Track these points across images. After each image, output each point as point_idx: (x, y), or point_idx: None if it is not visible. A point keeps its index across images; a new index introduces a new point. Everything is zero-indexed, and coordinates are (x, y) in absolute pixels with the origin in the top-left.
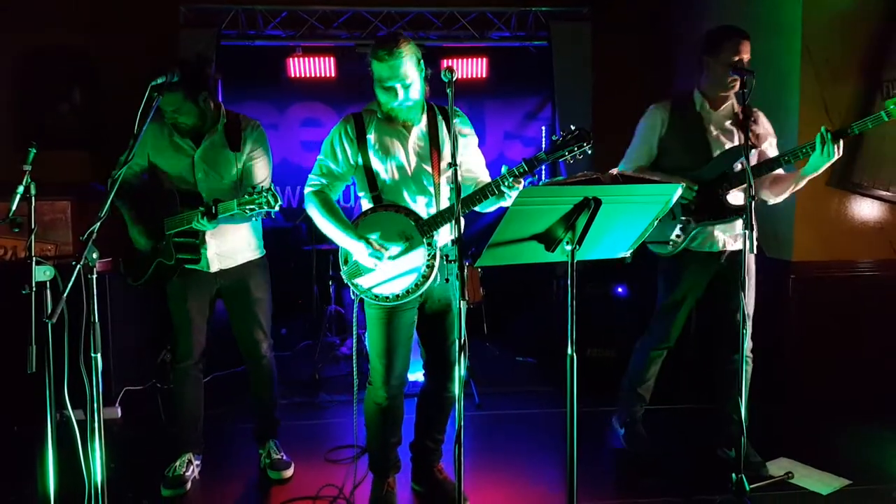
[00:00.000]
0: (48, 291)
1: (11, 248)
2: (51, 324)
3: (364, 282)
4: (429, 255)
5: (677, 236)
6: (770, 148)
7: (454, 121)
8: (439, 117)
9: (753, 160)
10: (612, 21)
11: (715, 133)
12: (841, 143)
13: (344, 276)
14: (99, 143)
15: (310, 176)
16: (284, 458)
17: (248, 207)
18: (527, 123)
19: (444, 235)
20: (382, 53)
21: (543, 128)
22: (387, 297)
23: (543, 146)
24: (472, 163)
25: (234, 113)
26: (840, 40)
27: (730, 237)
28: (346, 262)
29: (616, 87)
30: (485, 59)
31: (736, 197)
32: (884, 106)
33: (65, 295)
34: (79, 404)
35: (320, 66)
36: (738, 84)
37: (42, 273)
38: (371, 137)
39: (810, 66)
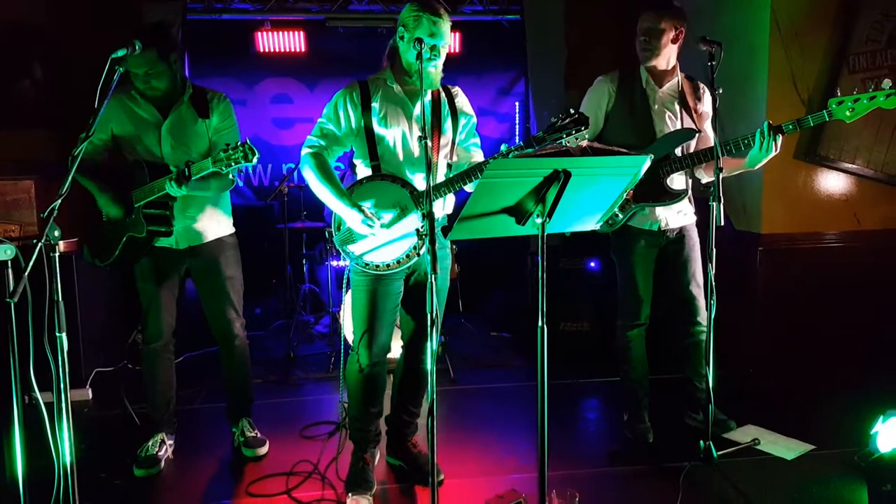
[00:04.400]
0: (10, 271)
1: None
2: (13, 304)
3: (356, 248)
4: (422, 226)
5: (615, 214)
6: (709, 128)
7: (456, 99)
8: (443, 95)
9: (694, 143)
10: None
11: (659, 111)
12: (780, 139)
13: (336, 242)
14: (62, 121)
15: (308, 137)
16: (258, 435)
17: (224, 164)
18: (500, 99)
19: (437, 210)
20: (435, 10)
21: (517, 103)
22: (377, 266)
23: (517, 122)
24: (469, 143)
25: (199, 86)
26: (809, 14)
27: (671, 214)
28: (338, 228)
29: (589, 61)
30: (457, 34)
31: (676, 181)
32: (827, 105)
33: (26, 273)
34: (47, 387)
35: (290, 41)
36: (646, 53)
37: (3, 252)
38: (376, 106)
39: (779, 40)
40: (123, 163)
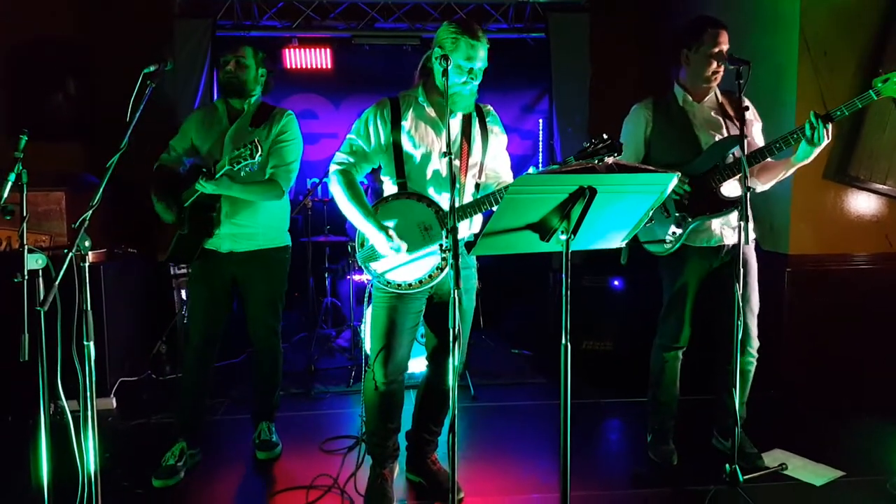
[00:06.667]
0: (40, 280)
1: (6, 239)
2: (43, 312)
3: (378, 266)
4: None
5: (673, 233)
6: (758, 135)
7: (487, 119)
8: (475, 114)
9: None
10: (610, 13)
11: (701, 125)
12: (830, 127)
13: (358, 259)
14: (94, 134)
15: (336, 154)
16: (273, 438)
17: (235, 162)
18: (524, 116)
19: (462, 230)
20: (474, 33)
21: (541, 120)
22: (399, 285)
23: (541, 139)
24: (497, 162)
25: (270, 104)
26: (839, 34)
27: (728, 230)
28: (362, 245)
29: (614, 79)
30: None
31: (730, 188)
32: (872, 84)
33: (57, 282)
34: (73, 395)
35: (316, 58)
36: (719, 76)
37: (34, 261)
38: (406, 123)
39: (808, 59)
40: (193, 169)
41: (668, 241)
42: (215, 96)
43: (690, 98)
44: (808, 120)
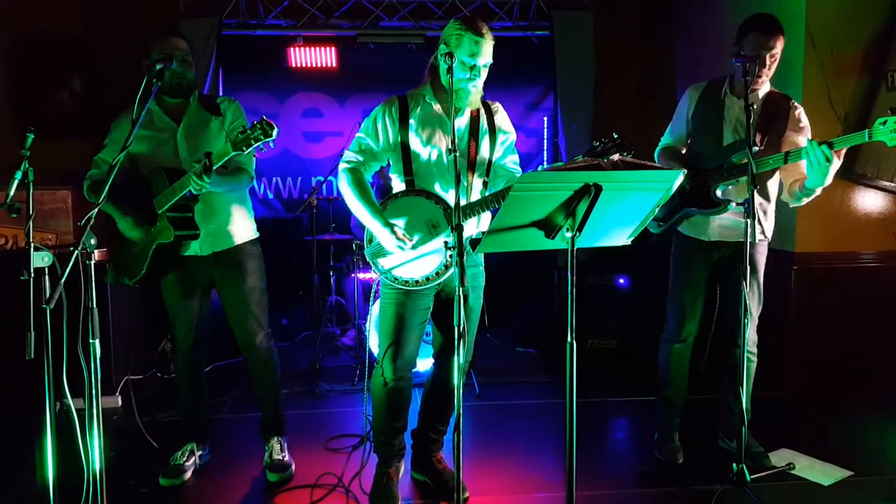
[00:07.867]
0: (46, 277)
1: (12, 238)
2: (49, 310)
3: (386, 263)
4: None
5: (665, 216)
6: (799, 142)
7: (496, 116)
8: (482, 112)
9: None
10: (614, 10)
11: (730, 121)
12: (829, 151)
13: (366, 255)
14: (97, 133)
15: (346, 152)
16: (286, 458)
17: (244, 144)
18: (529, 114)
19: (470, 227)
20: (478, 30)
21: (545, 118)
22: (406, 281)
23: (545, 136)
24: (506, 160)
25: (205, 94)
26: (844, 30)
27: (728, 230)
28: (370, 241)
29: (618, 76)
30: None
31: (725, 192)
32: (871, 125)
33: (62, 280)
34: (78, 393)
35: (321, 56)
36: (759, 80)
37: (40, 259)
38: (413, 122)
39: (814, 56)
40: (139, 177)
41: (658, 222)
42: (220, 93)
43: (730, 93)
44: (805, 148)
